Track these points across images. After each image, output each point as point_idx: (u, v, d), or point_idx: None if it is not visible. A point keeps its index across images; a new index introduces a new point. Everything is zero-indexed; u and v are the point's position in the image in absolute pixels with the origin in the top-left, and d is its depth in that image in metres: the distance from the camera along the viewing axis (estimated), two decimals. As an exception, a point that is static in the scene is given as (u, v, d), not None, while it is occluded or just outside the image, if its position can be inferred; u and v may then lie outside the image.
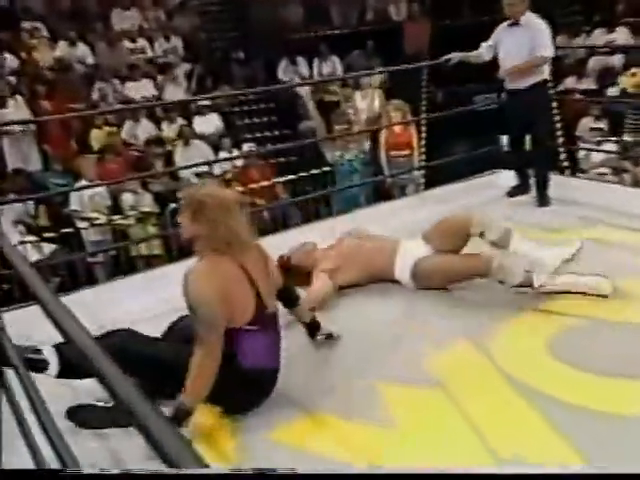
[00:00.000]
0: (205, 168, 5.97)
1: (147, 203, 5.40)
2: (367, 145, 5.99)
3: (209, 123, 6.91)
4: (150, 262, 4.91)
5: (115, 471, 1.31)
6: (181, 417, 1.60)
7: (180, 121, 6.69)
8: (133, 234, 5.18)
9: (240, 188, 5.58)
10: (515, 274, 2.30)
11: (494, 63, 3.41)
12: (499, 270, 2.30)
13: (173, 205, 5.19)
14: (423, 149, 6.53)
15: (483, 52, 3.43)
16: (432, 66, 6.52)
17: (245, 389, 1.73)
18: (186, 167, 5.29)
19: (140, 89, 7.12)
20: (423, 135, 6.81)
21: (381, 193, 5.73)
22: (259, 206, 5.29)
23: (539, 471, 1.38)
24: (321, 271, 2.54)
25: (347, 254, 2.57)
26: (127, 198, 5.34)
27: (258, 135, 7.31)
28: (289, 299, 2.10)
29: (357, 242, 2.63)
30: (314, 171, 5.79)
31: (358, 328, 2.23)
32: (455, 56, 3.50)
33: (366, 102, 6.68)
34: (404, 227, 3.08)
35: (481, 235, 2.43)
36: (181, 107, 6.82)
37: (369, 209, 4.01)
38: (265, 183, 5.73)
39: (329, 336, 2.17)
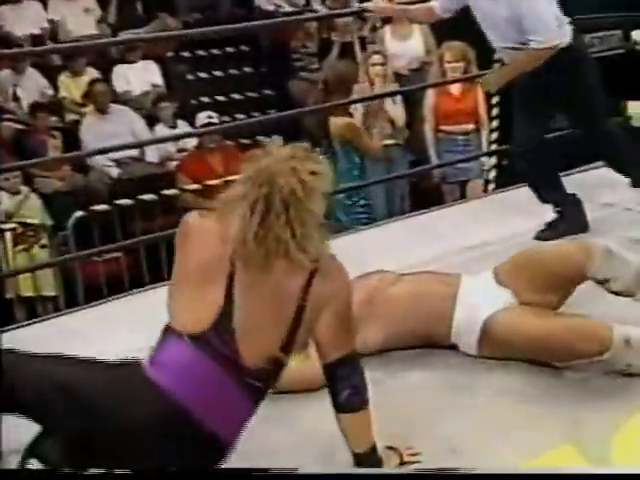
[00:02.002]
0: (133, 152, 5.90)
1: (33, 211, 5.36)
2: (402, 115, 5.94)
3: (139, 77, 6.92)
4: (35, 309, 4.98)
5: (115, 471, 1.87)
6: None
7: (90, 73, 6.73)
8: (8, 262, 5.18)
9: (191, 185, 5.59)
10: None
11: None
12: (625, 349, 2.41)
13: (78, 214, 5.19)
14: (496, 123, 6.40)
15: (435, 7, 3.57)
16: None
17: None
18: (100, 152, 5.25)
19: (23, 19, 7.06)
20: (496, 100, 6.69)
21: (423, 195, 5.82)
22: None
23: (539, 471, 1.92)
24: None
25: (373, 304, 2.65)
26: (-3, 202, 5.44)
27: (221, 98, 7.31)
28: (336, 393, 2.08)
29: (388, 283, 2.73)
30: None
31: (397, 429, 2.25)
32: (374, 6, 3.79)
33: (402, 44, 6.62)
34: (457, 255, 3.27)
35: (603, 282, 2.59)
36: (92, 50, 6.75)
37: (397, 223, 4.11)
38: (234, 177, 5.61)
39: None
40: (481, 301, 2.61)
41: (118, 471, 1.89)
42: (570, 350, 2.48)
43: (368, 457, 2.06)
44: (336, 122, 5.39)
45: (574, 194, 3.63)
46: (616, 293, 2.64)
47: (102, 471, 1.89)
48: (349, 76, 5.79)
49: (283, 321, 1.96)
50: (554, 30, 3.28)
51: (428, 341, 2.67)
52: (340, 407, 2.03)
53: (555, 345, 2.50)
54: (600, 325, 2.48)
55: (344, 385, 2.02)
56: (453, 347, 2.66)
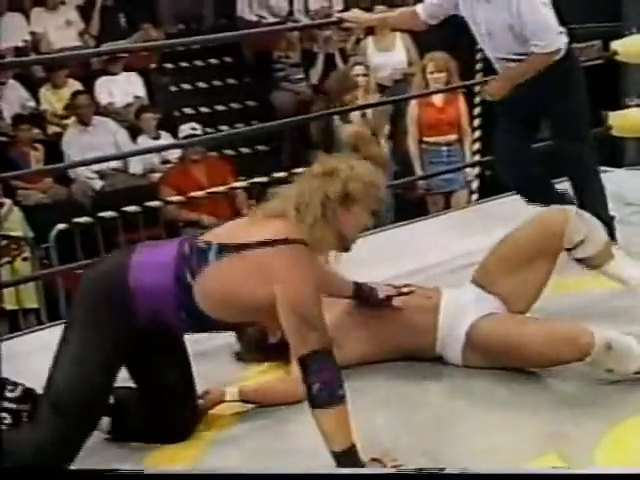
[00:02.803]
0: (116, 164, 5.87)
1: (15, 223, 5.43)
2: (386, 127, 5.99)
3: (122, 89, 6.92)
4: (16, 321, 4.98)
5: (115, 471, 2.01)
6: None
7: (73, 85, 6.72)
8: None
9: (174, 196, 5.57)
10: (631, 357, 2.42)
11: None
12: (606, 354, 2.40)
13: (61, 226, 5.15)
14: (479, 133, 6.43)
15: (420, 12, 3.43)
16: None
17: None
18: (83, 163, 5.24)
19: (5, 32, 7.06)
20: (478, 110, 6.70)
21: (407, 206, 5.80)
22: (207, 227, 5.14)
23: (539, 471, 1.95)
24: None
25: (355, 315, 2.66)
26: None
27: (205, 110, 7.33)
28: None
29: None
30: (297, 170, 5.63)
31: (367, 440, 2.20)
32: (353, 17, 3.66)
33: (385, 55, 6.66)
34: (442, 266, 3.28)
35: (577, 246, 2.64)
36: (75, 61, 6.78)
37: (381, 235, 4.06)
38: (217, 189, 5.69)
39: None
40: (465, 309, 2.61)
41: (118, 471, 2.00)
42: (551, 356, 2.47)
43: (345, 457, 2.04)
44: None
45: (564, 193, 3.57)
46: (585, 261, 2.69)
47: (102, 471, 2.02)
48: (353, 84, 5.76)
49: None
50: (556, 34, 3.21)
51: (413, 354, 2.66)
52: (310, 402, 2.06)
53: (536, 351, 2.48)
54: (581, 330, 2.46)
55: (313, 379, 2.05)
56: (438, 359, 2.65)
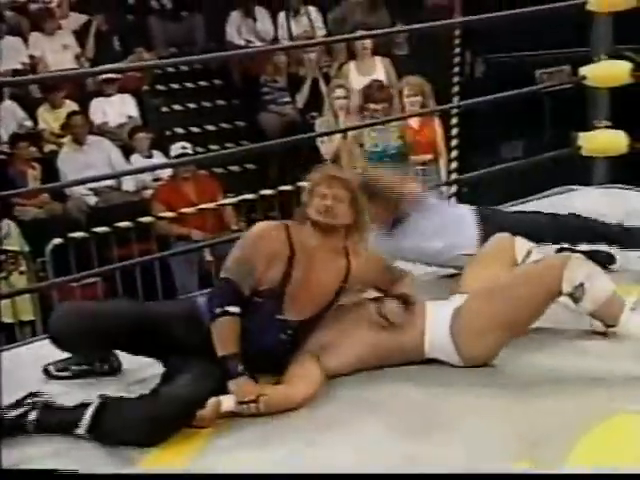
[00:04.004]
0: (109, 181, 5.92)
1: (12, 238, 5.43)
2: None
3: (116, 110, 6.94)
4: (12, 334, 4.91)
5: (114, 472, 2.11)
6: None
7: (69, 106, 6.71)
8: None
9: (166, 212, 5.59)
10: (597, 289, 2.48)
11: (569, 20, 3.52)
12: (572, 282, 2.46)
13: (56, 241, 5.14)
14: (454, 153, 6.53)
15: None
16: (468, 23, 6.59)
17: None
18: (78, 182, 5.29)
19: (4, 54, 7.04)
20: (454, 131, 6.81)
21: None
22: (198, 241, 5.23)
23: (538, 471, 1.93)
24: (306, 353, 2.60)
25: (345, 324, 2.65)
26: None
27: (195, 130, 7.34)
28: None
29: (359, 305, 2.71)
30: (283, 188, 5.72)
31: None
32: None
33: (366, 79, 6.56)
34: (421, 278, 3.16)
35: (576, 290, 2.54)
36: (71, 82, 6.83)
37: None
38: (206, 205, 5.71)
39: None
40: (446, 314, 2.61)
41: (117, 472, 2.12)
42: (541, 287, 2.52)
43: (224, 362, 2.40)
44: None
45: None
46: (596, 316, 2.62)
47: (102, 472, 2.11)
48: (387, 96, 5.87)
49: None
50: None
51: (400, 359, 2.64)
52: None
53: (525, 293, 2.52)
54: (552, 257, 2.63)
55: (212, 294, 2.53)
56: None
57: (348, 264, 2.61)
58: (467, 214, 3.27)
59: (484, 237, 3.11)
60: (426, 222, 3.18)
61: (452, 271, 3.25)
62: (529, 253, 2.83)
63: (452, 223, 3.23)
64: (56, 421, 2.33)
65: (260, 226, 2.61)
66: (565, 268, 2.51)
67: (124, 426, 2.26)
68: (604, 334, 2.69)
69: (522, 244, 2.88)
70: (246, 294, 2.48)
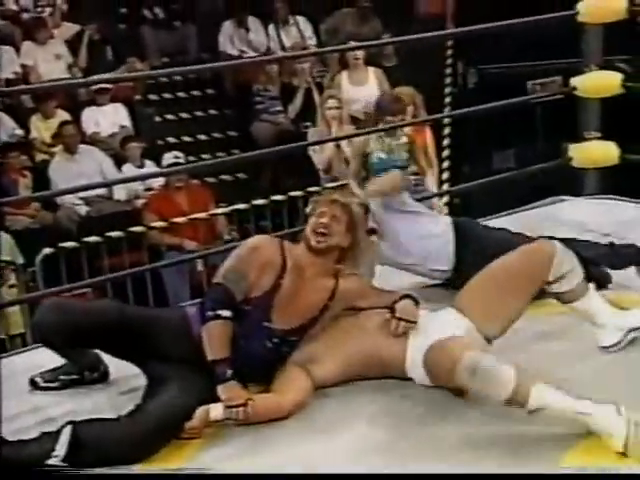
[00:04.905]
0: (101, 190, 5.89)
1: (4, 248, 5.35)
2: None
3: (108, 119, 6.93)
4: (3, 347, 4.84)
5: (114, 471, 2.15)
6: None
7: (61, 115, 6.70)
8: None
9: (158, 222, 5.58)
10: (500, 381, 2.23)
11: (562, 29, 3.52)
12: (473, 375, 2.24)
13: (47, 251, 5.11)
14: (446, 164, 6.54)
15: None
16: (460, 35, 6.63)
17: None
18: (69, 191, 5.27)
19: None
20: (446, 142, 6.83)
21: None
22: (189, 252, 5.21)
23: (537, 471, 1.99)
24: (294, 363, 2.60)
25: (333, 336, 2.65)
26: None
27: (187, 139, 7.35)
28: None
29: (346, 318, 2.71)
30: (276, 197, 5.72)
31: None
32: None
33: (358, 89, 6.70)
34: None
35: (557, 280, 2.59)
36: (63, 92, 6.82)
37: None
38: (198, 215, 5.70)
39: None
40: (433, 332, 2.52)
41: (117, 472, 2.15)
42: (532, 273, 2.57)
43: (214, 365, 2.41)
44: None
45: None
46: (560, 296, 2.65)
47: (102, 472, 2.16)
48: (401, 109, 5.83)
49: None
50: None
51: (384, 373, 2.63)
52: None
53: (518, 280, 2.57)
54: (534, 243, 2.68)
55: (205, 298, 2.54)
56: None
57: (336, 285, 2.65)
58: (446, 229, 3.24)
59: (458, 254, 3.14)
60: (402, 235, 3.19)
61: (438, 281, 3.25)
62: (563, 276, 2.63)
63: (428, 237, 3.21)
64: (25, 456, 2.24)
65: (256, 238, 2.72)
66: (554, 256, 2.59)
67: (108, 448, 2.23)
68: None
69: (564, 260, 2.62)
70: (238, 299, 2.50)
